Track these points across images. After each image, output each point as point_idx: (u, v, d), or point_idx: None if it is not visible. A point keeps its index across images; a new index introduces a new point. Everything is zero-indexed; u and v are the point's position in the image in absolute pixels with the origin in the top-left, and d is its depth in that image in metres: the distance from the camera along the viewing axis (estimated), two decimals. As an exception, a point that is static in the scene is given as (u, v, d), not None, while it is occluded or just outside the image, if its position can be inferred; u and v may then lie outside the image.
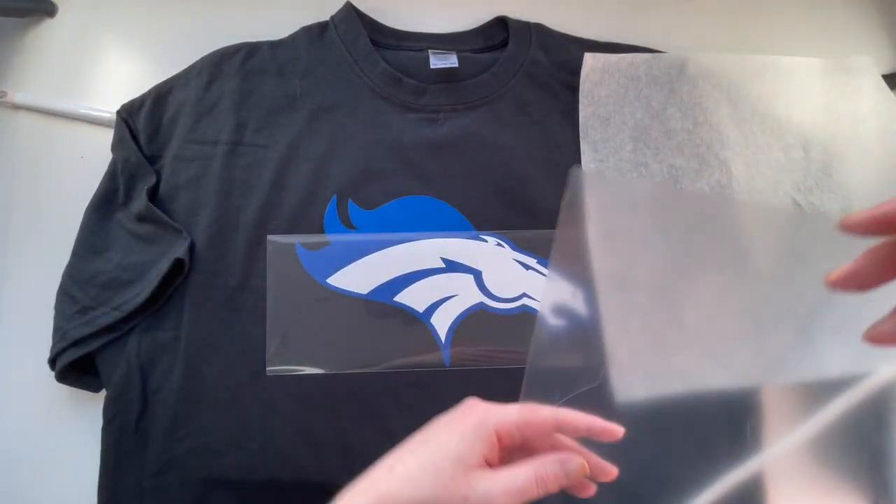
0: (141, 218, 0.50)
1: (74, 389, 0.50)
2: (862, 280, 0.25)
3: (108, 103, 0.55)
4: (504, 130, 0.55)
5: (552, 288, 0.46)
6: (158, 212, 0.50)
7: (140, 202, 0.50)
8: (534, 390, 0.38)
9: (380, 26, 0.58)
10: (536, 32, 0.58)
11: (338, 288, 0.51)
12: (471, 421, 0.31)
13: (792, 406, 0.56)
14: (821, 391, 0.55)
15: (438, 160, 0.54)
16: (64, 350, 0.48)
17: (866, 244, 0.27)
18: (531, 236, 0.53)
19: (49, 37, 0.58)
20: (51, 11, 0.57)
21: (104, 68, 0.58)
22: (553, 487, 0.30)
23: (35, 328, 0.51)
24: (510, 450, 0.32)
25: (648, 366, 0.46)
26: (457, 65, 0.56)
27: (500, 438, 0.31)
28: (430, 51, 0.56)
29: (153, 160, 0.52)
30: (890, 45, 0.64)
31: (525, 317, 0.52)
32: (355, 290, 0.51)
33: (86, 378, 0.50)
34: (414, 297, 0.51)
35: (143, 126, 0.53)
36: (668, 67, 0.56)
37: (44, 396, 0.51)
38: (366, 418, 0.49)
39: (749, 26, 0.63)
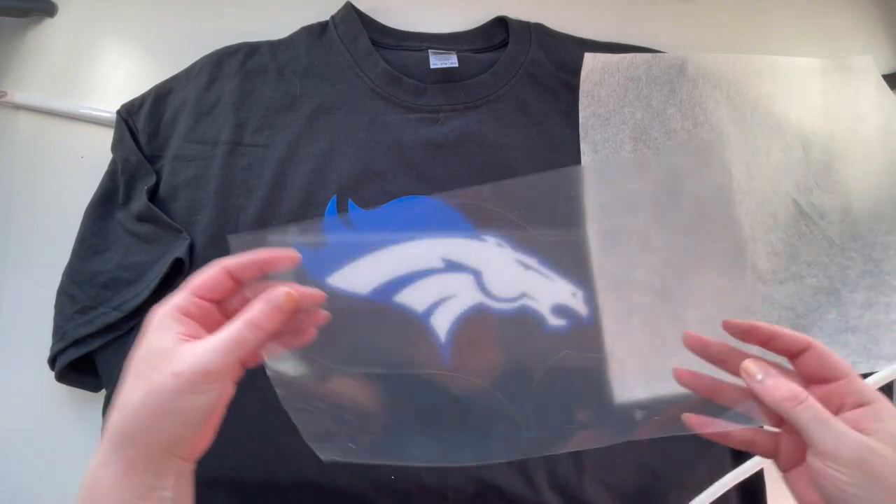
0: (141, 218, 0.50)
1: (74, 389, 0.50)
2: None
3: (108, 103, 0.55)
4: (504, 130, 0.55)
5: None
6: (158, 212, 0.50)
7: (140, 202, 0.50)
8: None
9: (380, 26, 0.58)
10: (536, 32, 0.58)
11: (337, 288, 0.51)
12: (151, 323, 0.30)
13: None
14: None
15: (438, 160, 0.54)
16: (64, 350, 0.48)
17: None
18: (531, 236, 0.53)
19: (49, 37, 0.58)
20: (51, 11, 0.57)
21: (104, 68, 0.58)
22: (270, 325, 0.30)
23: (35, 328, 0.51)
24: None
25: (648, 366, 0.46)
26: (457, 65, 0.56)
27: (196, 313, 0.30)
28: (430, 51, 0.56)
29: (153, 160, 0.52)
30: (890, 45, 0.64)
31: (525, 317, 0.51)
32: (355, 290, 0.51)
33: (86, 378, 0.50)
34: (414, 297, 0.51)
35: (143, 126, 0.53)
36: (668, 67, 0.56)
37: (44, 396, 0.52)
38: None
39: (749, 26, 0.63)
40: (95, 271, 0.50)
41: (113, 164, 0.53)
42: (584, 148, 0.55)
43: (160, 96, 0.54)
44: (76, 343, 0.48)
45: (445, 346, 0.50)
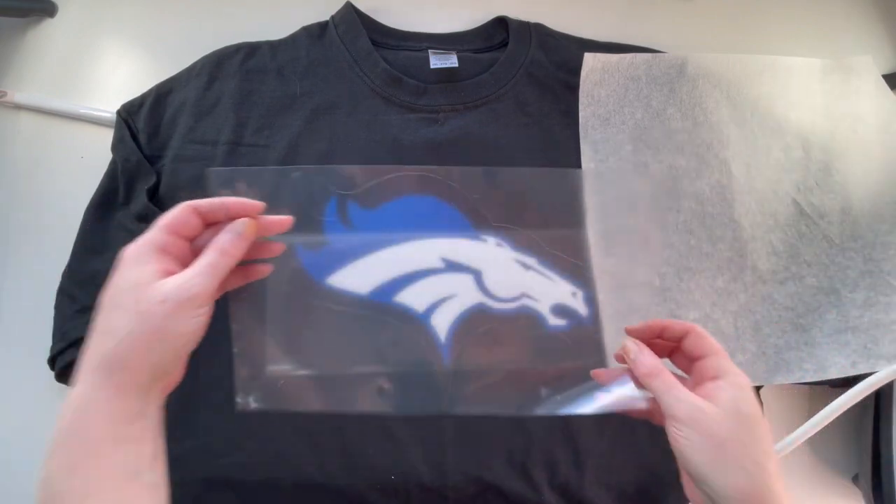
0: (141, 218, 0.50)
1: (74, 389, 0.50)
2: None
3: (108, 103, 0.55)
4: (504, 130, 0.55)
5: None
6: (158, 212, 0.50)
7: (140, 202, 0.50)
8: None
9: (380, 26, 0.58)
10: (536, 32, 0.58)
11: (338, 288, 0.51)
12: (126, 259, 0.32)
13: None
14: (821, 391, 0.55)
15: (438, 160, 0.54)
16: (64, 350, 0.48)
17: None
18: (531, 236, 0.53)
19: (49, 37, 0.58)
20: (51, 11, 0.57)
21: (104, 68, 0.58)
22: (236, 251, 0.34)
23: (35, 328, 0.51)
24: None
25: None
26: (457, 65, 0.56)
27: (170, 248, 0.33)
28: (430, 51, 0.56)
29: (153, 160, 0.52)
30: (890, 45, 0.64)
31: (525, 317, 0.52)
32: (355, 290, 0.51)
33: (86, 378, 0.50)
34: (414, 297, 0.51)
35: (143, 126, 0.53)
36: (668, 67, 0.56)
37: (44, 396, 0.52)
38: (365, 418, 0.49)
39: (749, 26, 0.63)
40: (95, 271, 0.50)
41: (113, 164, 0.52)
42: (584, 148, 0.55)
43: (160, 96, 0.54)
44: (76, 343, 0.48)
45: (445, 346, 0.50)
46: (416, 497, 0.48)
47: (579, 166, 0.54)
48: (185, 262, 0.33)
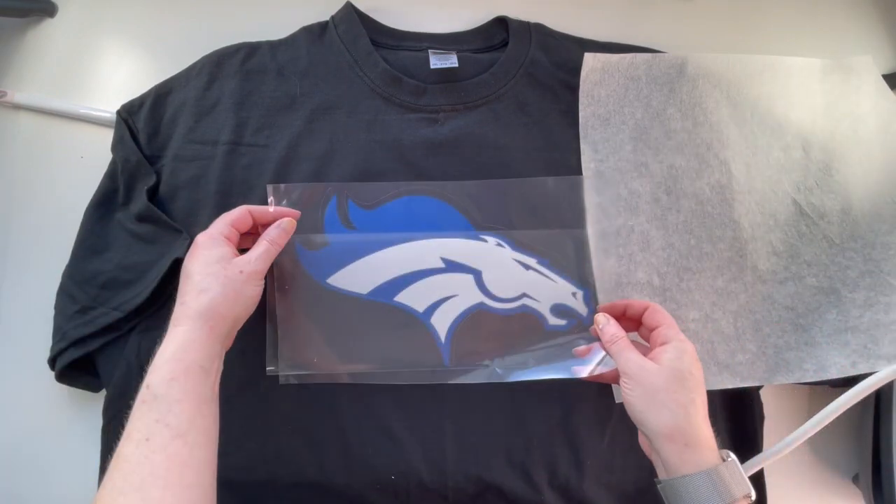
0: (141, 218, 0.50)
1: (74, 389, 0.50)
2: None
3: (108, 103, 0.55)
4: (504, 130, 0.55)
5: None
6: (158, 212, 0.50)
7: (140, 202, 0.50)
8: None
9: (380, 26, 0.58)
10: (536, 32, 0.58)
11: (338, 288, 0.51)
12: (204, 241, 0.43)
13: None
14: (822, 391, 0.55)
15: (438, 160, 0.54)
16: (64, 350, 0.48)
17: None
18: (531, 236, 0.53)
19: (49, 37, 0.58)
20: (51, 11, 0.57)
21: (104, 68, 0.58)
22: (281, 242, 0.46)
23: (35, 328, 0.51)
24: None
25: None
26: (457, 65, 0.56)
27: (231, 237, 0.45)
28: (430, 51, 0.56)
29: (153, 160, 0.52)
30: (890, 45, 0.64)
31: (525, 317, 0.52)
32: (355, 290, 0.51)
33: (86, 378, 0.50)
34: (414, 297, 0.51)
35: (143, 126, 0.53)
36: (667, 67, 0.56)
37: (44, 396, 0.52)
38: (365, 418, 0.49)
39: (749, 26, 0.63)
40: (95, 271, 0.50)
41: (113, 164, 0.53)
42: (584, 148, 0.55)
43: (160, 96, 0.54)
44: (76, 343, 0.48)
45: (445, 346, 0.51)
46: (416, 497, 0.48)
47: (579, 166, 0.54)
48: (238, 246, 0.45)
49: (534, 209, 0.53)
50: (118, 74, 0.57)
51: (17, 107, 0.56)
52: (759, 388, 0.53)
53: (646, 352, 0.44)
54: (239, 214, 0.46)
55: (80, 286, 0.50)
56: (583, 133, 0.55)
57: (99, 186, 0.52)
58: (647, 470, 0.49)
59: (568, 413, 0.50)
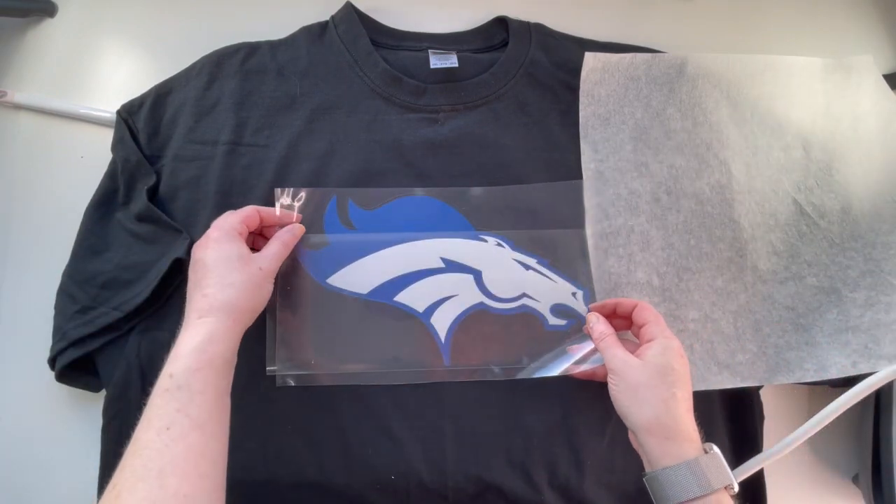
0: (141, 218, 0.50)
1: (74, 389, 0.50)
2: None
3: (108, 103, 0.55)
4: (504, 130, 0.55)
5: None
6: (158, 212, 0.50)
7: (140, 202, 0.50)
8: None
9: (380, 26, 0.58)
10: (536, 32, 0.58)
11: (338, 288, 0.51)
12: (219, 234, 0.44)
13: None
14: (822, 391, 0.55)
15: (438, 160, 0.54)
16: (64, 350, 0.48)
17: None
18: (531, 236, 0.53)
19: (49, 37, 0.58)
20: (51, 11, 0.57)
21: (104, 68, 0.58)
22: (291, 244, 0.48)
23: (35, 328, 0.51)
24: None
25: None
26: (457, 65, 0.56)
27: (242, 233, 0.46)
28: (430, 51, 0.56)
29: (153, 160, 0.52)
30: (890, 45, 0.64)
31: (525, 317, 0.52)
32: (355, 290, 0.51)
33: (86, 378, 0.50)
34: (414, 297, 0.51)
35: (143, 126, 0.53)
36: (667, 67, 0.56)
37: (44, 396, 0.52)
38: (365, 418, 0.49)
39: (749, 26, 0.63)
40: (95, 271, 0.50)
41: (113, 164, 0.52)
42: (584, 148, 0.55)
43: (160, 96, 0.54)
44: (76, 343, 0.48)
45: (445, 346, 0.50)
46: (416, 497, 0.48)
47: (579, 166, 0.54)
48: (247, 244, 0.46)
49: (534, 210, 0.53)
50: (118, 74, 0.57)
51: (17, 107, 0.56)
52: (759, 388, 0.53)
53: (636, 349, 0.45)
54: (249, 213, 0.47)
55: (80, 286, 0.50)
56: (583, 133, 0.55)
57: (99, 186, 0.52)
58: (647, 470, 0.49)
59: (568, 413, 0.50)
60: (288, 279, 0.50)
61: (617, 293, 0.52)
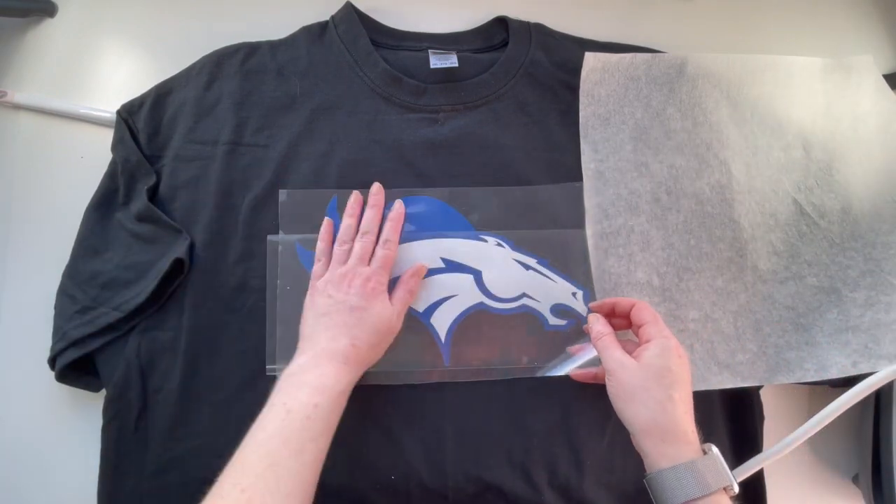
0: (141, 218, 0.50)
1: (74, 389, 0.50)
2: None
3: (108, 103, 0.55)
4: (504, 130, 0.55)
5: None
6: (158, 212, 0.50)
7: (140, 202, 0.50)
8: None
9: (380, 26, 0.58)
10: (536, 32, 0.58)
11: (338, 288, 0.51)
12: (382, 294, 0.47)
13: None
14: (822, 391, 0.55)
15: (438, 160, 0.54)
16: (64, 350, 0.48)
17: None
18: (531, 236, 0.53)
19: (49, 37, 0.58)
20: (51, 11, 0.57)
21: (104, 68, 0.58)
22: (415, 285, 0.50)
23: (35, 328, 0.51)
24: None
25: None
26: (457, 65, 0.56)
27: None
28: (430, 51, 0.56)
29: (153, 160, 0.52)
30: (890, 45, 0.64)
31: (525, 317, 0.52)
32: (355, 290, 0.51)
33: (86, 378, 0.50)
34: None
35: (143, 126, 0.53)
36: (667, 67, 0.56)
37: (44, 396, 0.52)
38: (365, 418, 0.49)
39: (749, 26, 0.63)
40: (95, 271, 0.50)
41: (113, 164, 0.52)
42: (584, 148, 0.55)
43: (160, 96, 0.54)
44: (76, 343, 0.48)
45: (445, 346, 0.50)
46: (417, 497, 0.48)
47: (579, 166, 0.54)
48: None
49: (534, 211, 0.53)
50: (118, 74, 0.57)
51: (17, 107, 0.56)
52: (759, 388, 0.53)
53: (636, 348, 0.44)
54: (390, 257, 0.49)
55: (80, 286, 0.50)
56: (583, 133, 0.55)
57: (99, 186, 0.52)
58: (647, 470, 0.49)
59: (568, 413, 0.50)
60: (288, 279, 0.50)
61: (617, 293, 0.52)
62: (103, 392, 0.49)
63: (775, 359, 0.51)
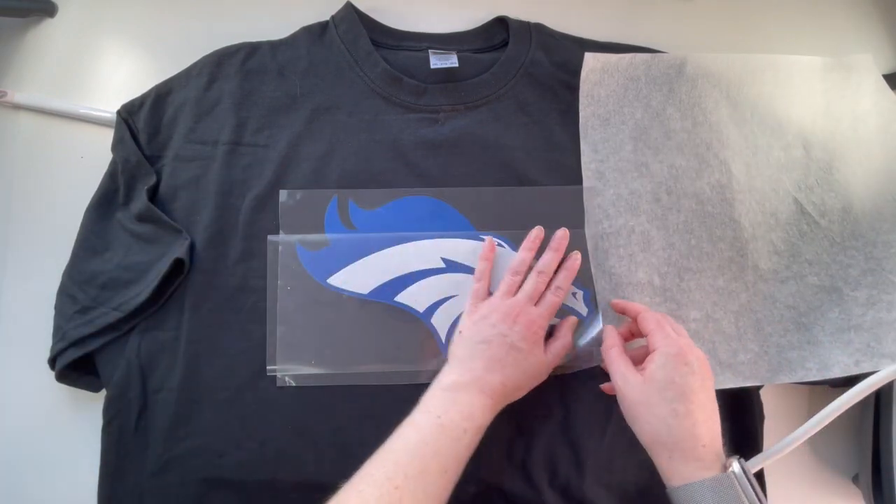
0: (141, 218, 0.50)
1: (74, 389, 0.50)
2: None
3: (108, 103, 0.55)
4: (504, 130, 0.55)
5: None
6: (158, 212, 0.50)
7: (140, 202, 0.50)
8: None
9: (380, 26, 0.58)
10: (536, 32, 0.58)
11: (338, 288, 0.51)
12: (540, 339, 0.47)
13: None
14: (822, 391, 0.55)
15: (438, 160, 0.54)
16: (64, 350, 0.48)
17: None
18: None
19: (49, 37, 0.58)
20: (51, 11, 0.57)
21: (104, 68, 0.58)
22: (571, 339, 0.49)
23: (35, 328, 0.51)
24: None
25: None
26: (457, 65, 0.56)
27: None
28: (430, 51, 0.56)
29: (153, 160, 0.52)
30: (890, 45, 0.64)
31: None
32: (355, 290, 0.51)
33: (86, 378, 0.50)
34: (414, 297, 0.51)
35: (143, 126, 0.53)
36: (667, 67, 0.56)
37: (44, 396, 0.52)
38: (365, 418, 0.49)
39: (749, 26, 0.63)
40: (95, 271, 0.50)
41: (113, 164, 0.52)
42: (584, 148, 0.55)
43: (160, 96, 0.54)
44: (76, 343, 0.48)
45: (446, 346, 0.50)
46: (417, 497, 0.48)
47: (579, 166, 0.54)
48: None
49: (534, 211, 0.53)
50: (118, 74, 0.57)
51: (17, 107, 0.56)
52: (759, 387, 0.53)
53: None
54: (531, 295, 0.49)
55: (80, 286, 0.50)
56: (583, 133, 0.55)
57: (99, 186, 0.52)
58: (647, 470, 0.49)
59: (568, 413, 0.50)
60: (288, 279, 0.50)
61: (618, 293, 0.52)
62: (103, 392, 0.49)
63: (777, 358, 0.51)
